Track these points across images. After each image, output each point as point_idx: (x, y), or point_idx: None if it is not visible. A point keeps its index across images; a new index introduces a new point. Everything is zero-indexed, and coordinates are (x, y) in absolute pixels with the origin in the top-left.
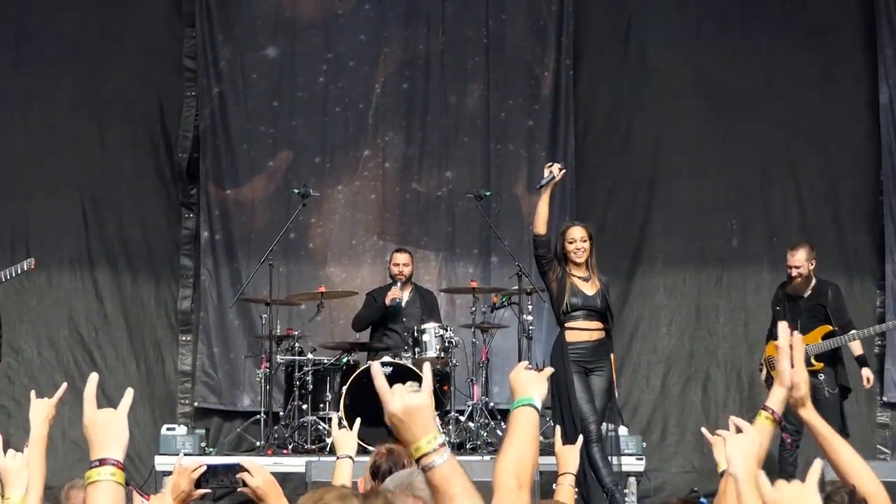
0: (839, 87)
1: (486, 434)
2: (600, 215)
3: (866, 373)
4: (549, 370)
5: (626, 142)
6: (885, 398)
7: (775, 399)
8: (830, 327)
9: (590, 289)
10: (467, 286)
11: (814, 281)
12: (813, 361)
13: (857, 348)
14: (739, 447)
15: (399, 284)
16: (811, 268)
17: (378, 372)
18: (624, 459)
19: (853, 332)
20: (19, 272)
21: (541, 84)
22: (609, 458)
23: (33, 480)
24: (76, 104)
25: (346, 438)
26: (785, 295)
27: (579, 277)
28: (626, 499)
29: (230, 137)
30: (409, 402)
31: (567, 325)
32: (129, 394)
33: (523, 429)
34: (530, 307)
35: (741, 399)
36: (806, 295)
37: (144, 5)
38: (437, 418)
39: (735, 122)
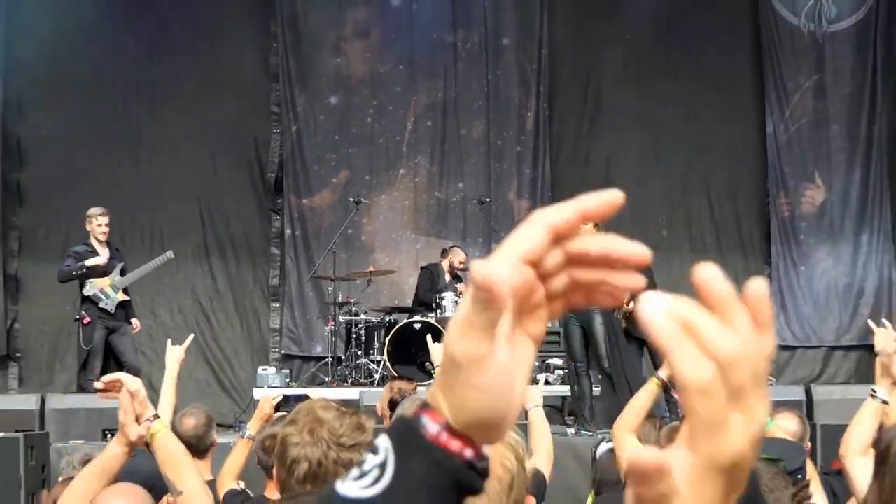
0: (739, 122)
1: None
2: None
3: None
4: None
5: (587, 162)
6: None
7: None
8: None
9: None
10: None
11: None
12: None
13: None
14: None
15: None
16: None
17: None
18: None
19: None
20: (163, 262)
21: (525, 121)
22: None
23: (166, 406)
24: (196, 140)
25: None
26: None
27: None
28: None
29: (305, 161)
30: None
31: None
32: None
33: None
34: None
35: None
36: None
37: (242, 68)
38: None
39: (666, 147)
